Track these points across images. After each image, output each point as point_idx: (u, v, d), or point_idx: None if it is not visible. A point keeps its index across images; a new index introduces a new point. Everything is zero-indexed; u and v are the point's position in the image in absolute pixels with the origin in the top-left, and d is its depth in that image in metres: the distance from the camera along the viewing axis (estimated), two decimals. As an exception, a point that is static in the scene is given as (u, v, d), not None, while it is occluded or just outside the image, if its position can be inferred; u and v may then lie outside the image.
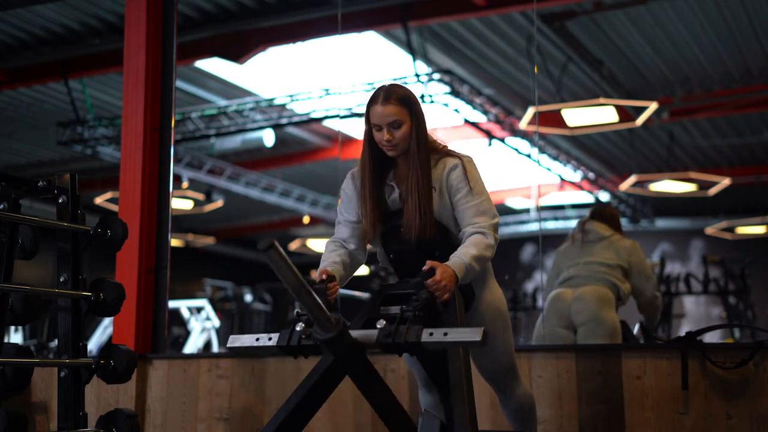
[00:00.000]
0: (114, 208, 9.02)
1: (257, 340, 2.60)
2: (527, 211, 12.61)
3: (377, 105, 2.73)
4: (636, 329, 4.79)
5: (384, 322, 2.44)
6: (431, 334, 2.39)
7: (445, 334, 2.38)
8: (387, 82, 2.81)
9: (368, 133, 2.79)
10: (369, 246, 2.93)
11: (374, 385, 2.55)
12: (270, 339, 2.57)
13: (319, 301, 2.35)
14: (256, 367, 4.18)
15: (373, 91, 2.79)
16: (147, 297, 4.50)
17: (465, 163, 2.77)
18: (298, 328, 2.49)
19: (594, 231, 4.66)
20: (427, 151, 2.77)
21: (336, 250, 2.86)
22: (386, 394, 2.56)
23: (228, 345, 2.66)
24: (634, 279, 4.55)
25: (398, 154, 2.77)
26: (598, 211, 4.87)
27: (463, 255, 2.63)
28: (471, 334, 2.36)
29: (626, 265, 4.54)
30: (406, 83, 7.49)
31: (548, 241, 12.05)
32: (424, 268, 2.57)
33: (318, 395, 2.63)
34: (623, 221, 11.15)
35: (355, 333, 2.49)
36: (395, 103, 2.72)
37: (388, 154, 2.77)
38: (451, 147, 2.90)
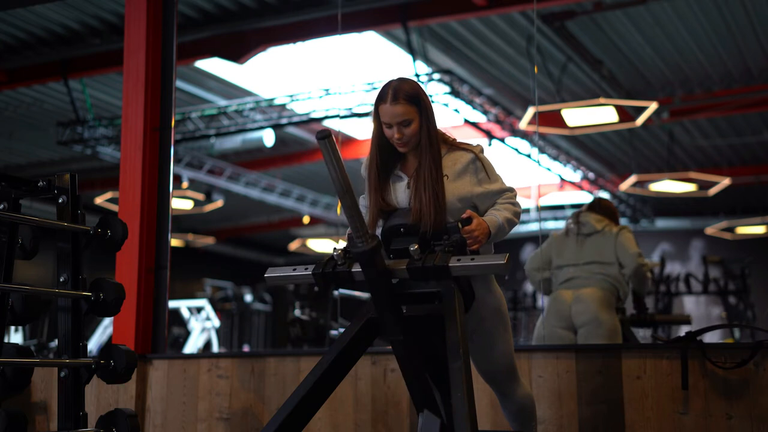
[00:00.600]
0: (114, 208, 9.03)
1: (294, 270, 2.73)
2: (527, 211, 12.59)
3: (386, 104, 2.75)
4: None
5: (416, 246, 2.53)
6: (459, 260, 2.49)
7: (472, 259, 2.50)
8: (395, 78, 2.83)
9: (376, 128, 2.82)
10: None
11: (397, 321, 2.58)
12: (306, 269, 2.69)
13: (359, 208, 2.47)
14: (256, 367, 4.18)
15: (381, 87, 2.80)
16: (147, 297, 4.50)
17: (479, 155, 2.85)
18: (335, 254, 2.60)
19: (588, 224, 4.68)
20: (438, 144, 2.81)
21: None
22: (407, 340, 2.60)
23: (266, 275, 2.78)
24: (619, 255, 4.57)
25: (409, 149, 2.82)
26: (594, 202, 4.89)
27: (497, 214, 2.74)
28: (497, 259, 2.50)
29: (617, 254, 4.56)
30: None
31: (548, 241, 12.02)
32: (463, 215, 2.67)
33: (318, 395, 2.63)
34: (623, 221, 11.16)
35: (386, 261, 2.58)
36: (404, 101, 2.74)
37: (399, 150, 2.82)
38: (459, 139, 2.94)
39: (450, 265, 2.49)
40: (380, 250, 2.50)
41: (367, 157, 2.89)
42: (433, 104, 2.88)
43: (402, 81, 2.79)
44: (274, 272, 2.78)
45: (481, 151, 2.87)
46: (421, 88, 2.82)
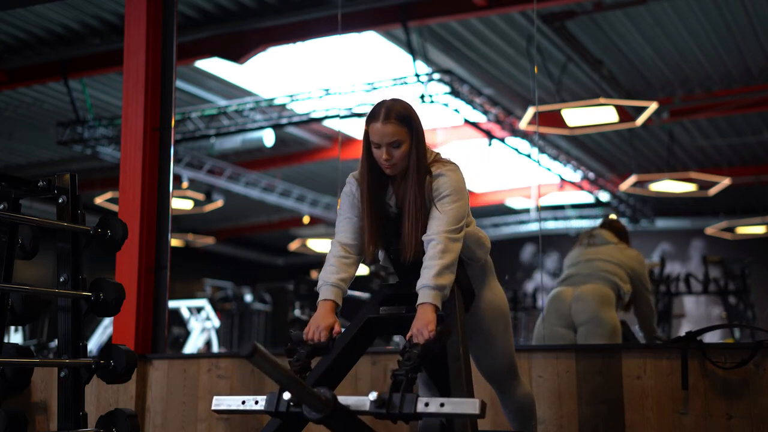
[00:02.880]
0: (114, 208, 9.02)
1: (243, 403, 2.55)
2: (527, 211, 12.60)
3: (377, 123, 2.67)
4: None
5: (375, 394, 2.36)
6: (427, 404, 2.31)
7: (442, 405, 2.30)
8: (388, 98, 2.75)
9: (367, 148, 2.74)
10: None
11: None
12: (257, 403, 2.52)
13: (309, 388, 2.31)
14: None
15: (374, 106, 2.74)
16: (147, 297, 4.50)
17: (447, 171, 2.71)
18: (285, 397, 2.44)
19: (600, 237, 4.69)
20: (426, 170, 2.71)
21: (342, 258, 2.76)
22: None
23: (213, 407, 2.59)
24: (635, 289, 4.56)
25: (396, 173, 2.73)
26: (607, 222, 4.94)
27: (426, 282, 2.56)
28: (469, 407, 2.27)
29: (630, 272, 4.55)
30: (406, 83, 7.49)
31: (548, 241, 12.04)
32: (406, 336, 2.51)
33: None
34: (623, 221, 11.18)
35: (347, 400, 2.41)
36: (395, 122, 2.66)
37: (386, 172, 2.73)
38: (443, 151, 2.86)
39: (418, 411, 2.32)
40: (337, 408, 2.36)
41: (357, 176, 2.80)
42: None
43: (395, 101, 2.72)
44: (223, 404, 2.57)
45: (452, 169, 2.73)
46: (413, 110, 2.74)
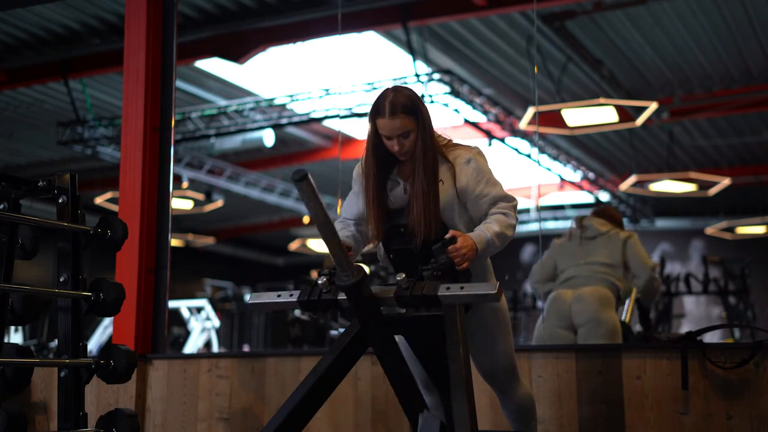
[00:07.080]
0: (114, 208, 9.03)
1: (278, 296, 2.70)
2: (527, 211, 12.58)
3: (384, 118, 2.72)
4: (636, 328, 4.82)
5: (403, 274, 2.50)
6: (448, 288, 2.46)
7: (462, 288, 2.46)
8: (390, 87, 2.79)
9: (373, 137, 2.78)
10: (369, 246, 2.93)
11: (388, 346, 2.58)
12: (291, 295, 2.66)
13: (342, 243, 2.44)
14: (256, 367, 4.18)
15: (378, 98, 2.76)
16: (147, 297, 4.50)
17: (476, 156, 2.80)
18: (320, 282, 2.57)
19: (592, 227, 4.68)
20: (434, 153, 2.77)
21: (345, 228, 2.89)
22: (398, 361, 2.59)
23: (250, 301, 2.78)
24: (631, 264, 4.57)
25: (409, 158, 2.79)
26: (599, 210, 4.90)
27: (485, 229, 2.69)
28: (486, 288, 2.45)
29: (624, 258, 4.55)
30: (406, 83, 7.49)
31: (548, 241, 12.02)
32: (447, 235, 2.63)
33: (318, 395, 2.63)
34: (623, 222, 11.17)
35: (373, 288, 2.55)
36: (402, 114, 2.71)
37: (400, 159, 2.79)
38: (455, 141, 2.91)
39: (439, 294, 2.46)
40: (366, 281, 2.48)
41: (363, 161, 2.85)
42: (430, 105, 2.87)
43: (398, 93, 2.75)
44: (259, 299, 2.77)
45: (479, 153, 2.83)
46: (417, 96, 2.79)
